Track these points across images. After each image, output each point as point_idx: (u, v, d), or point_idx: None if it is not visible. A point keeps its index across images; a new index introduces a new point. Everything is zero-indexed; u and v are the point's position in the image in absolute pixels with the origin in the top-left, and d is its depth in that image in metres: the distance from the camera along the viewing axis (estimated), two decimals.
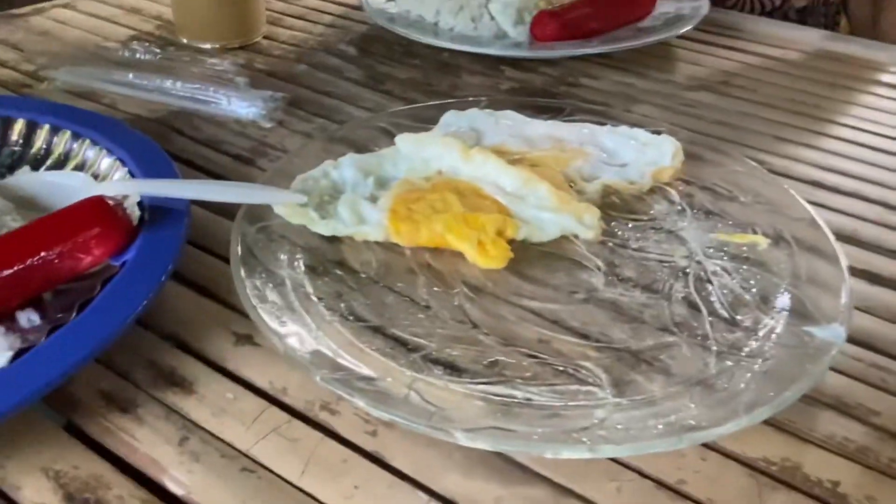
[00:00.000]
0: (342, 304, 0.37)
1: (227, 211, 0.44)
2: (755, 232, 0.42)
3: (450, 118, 0.51)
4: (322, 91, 0.61)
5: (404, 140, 0.48)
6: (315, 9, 0.77)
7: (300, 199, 0.42)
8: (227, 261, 0.38)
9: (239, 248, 0.38)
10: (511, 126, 0.51)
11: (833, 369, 0.35)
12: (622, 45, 0.65)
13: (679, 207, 0.45)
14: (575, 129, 0.51)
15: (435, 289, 0.38)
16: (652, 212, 0.45)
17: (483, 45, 0.65)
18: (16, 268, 0.36)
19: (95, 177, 0.45)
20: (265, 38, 0.70)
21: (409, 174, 0.46)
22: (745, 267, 0.40)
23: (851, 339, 0.36)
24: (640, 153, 0.48)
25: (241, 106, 0.54)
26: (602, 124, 0.51)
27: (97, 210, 0.38)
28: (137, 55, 0.61)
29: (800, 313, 0.36)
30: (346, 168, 0.46)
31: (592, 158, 0.48)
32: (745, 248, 0.41)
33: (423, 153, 0.47)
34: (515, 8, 0.66)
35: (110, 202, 0.38)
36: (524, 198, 0.44)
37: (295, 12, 0.76)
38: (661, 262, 0.40)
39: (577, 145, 0.50)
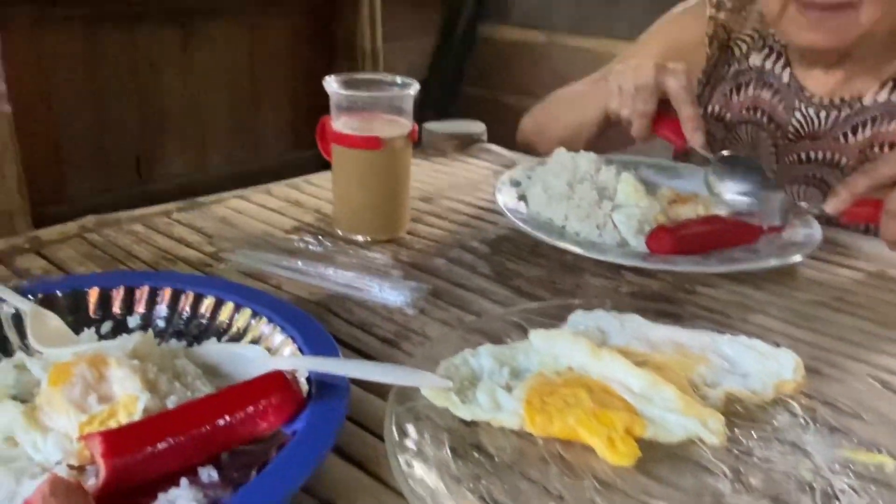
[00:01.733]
0: (482, 487, 0.40)
1: (374, 388, 0.50)
2: (880, 452, 0.43)
3: (578, 317, 0.56)
4: (457, 283, 0.68)
5: (537, 336, 0.53)
6: (452, 209, 0.86)
7: (446, 384, 0.47)
8: (378, 436, 0.43)
9: (394, 429, 0.43)
10: (635, 329, 0.55)
11: None
12: (736, 267, 0.69)
13: (802, 421, 0.47)
14: (696, 335, 0.54)
15: (566, 479, 0.41)
16: (775, 423, 0.46)
17: (606, 251, 0.71)
18: (204, 428, 0.42)
19: (269, 350, 0.52)
20: (409, 233, 0.79)
21: (542, 367, 0.51)
22: (872, 487, 0.40)
23: None
24: (761, 364, 0.51)
25: (391, 294, 0.62)
26: (721, 332, 0.55)
27: (276, 383, 0.44)
28: (301, 244, 0.70)
29: None
30: (483, 357, 0.51)
31: (714, 366, 0.51)
32: (871, 468, 0.42)
33: (555, 349, 0.52)
34: (637, 219, 0.73)
35: (287, 377, 0.45)
36: (651, 399, 0.47)
37: (434, 212, 0.85)
38: (787, 474, 0.42)
39: (699, 351, 0.53)
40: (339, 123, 0.74)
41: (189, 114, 2.33)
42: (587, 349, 0.50)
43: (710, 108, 1.04)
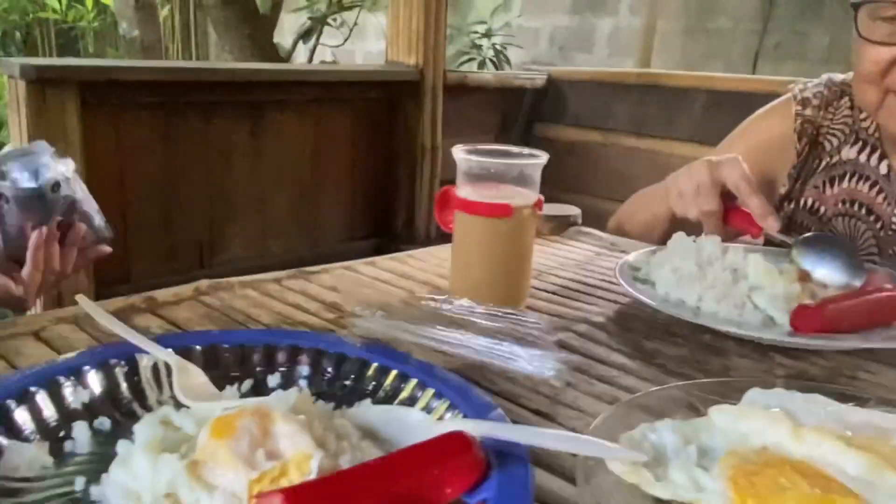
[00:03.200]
0: None
1: (543, 462, 0.45)
2: None
3: (755, 395, 0.51)
4: (594, 358, 0.63)
5: (720, 413, 0.48)
6: (564, 286, 0.83)
7: (640, 456, 0.42)
8: None
9: None
10: (826, 409, 0.50)
11: None
12: None
13: None
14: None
15: None
16: None
17: (752, 329, 0.66)
18: (388, 490, 0.37)
19: (427, 413, 0.47)
20: (527, 307, 0.75)
21: (732, 446, 0.46)
22: None
23: None
24: None
25: (537, 365, 0.57)
26: None
27: (460, 445, 0.40)
28: (430, 307, 0.67)
29: None
30: (665, 433, 0.46)
31: None
32: None
33: (742, 427, 0.47)
34: (781, 298, 0.69)
35: (470, 438, 0.40)
36: (874, 484, 0.41)
37: (547, 288, 0.82)
38: None
39: None
40: (466, 191, 0.72)
41: (253, 202, 2.37)
42: (787, 427, 0.45)
43: (802, 202, 1.02)
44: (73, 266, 0.88)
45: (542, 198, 0.74)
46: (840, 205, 0.98)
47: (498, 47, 5.23)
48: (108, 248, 0.93)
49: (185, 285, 0.74)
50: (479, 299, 0.72)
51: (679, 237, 0.81)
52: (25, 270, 0.83)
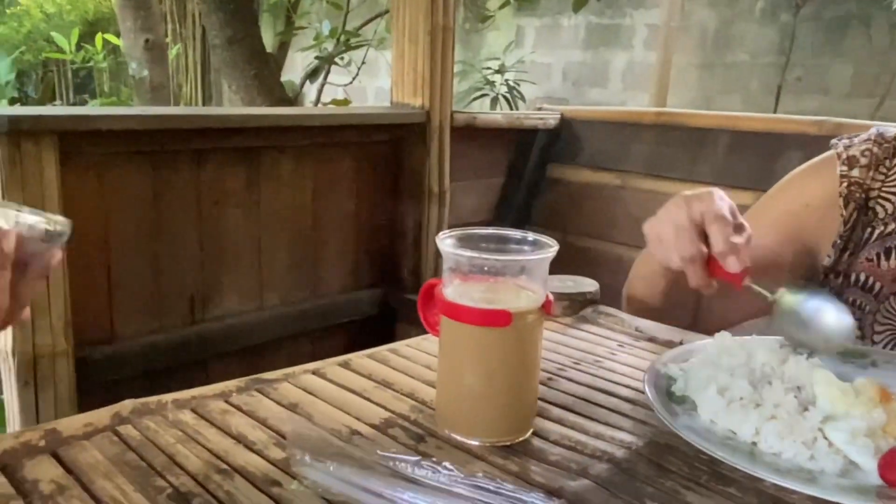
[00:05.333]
0: None
1: None
2: None
3: None
4: None
5: None
6: (582, 397, 0.67)
7: None
8: None
9: None
10: None
11: None
12: None
13: None
14: None
15: None
16: None
17: (822, 484, 0.50)
18: None
19: None
20: (535, 434, 0.59)
21: None
22: None
23: None
24: None
25: None
26: None
27: None
28: (396, 454, 0.51)
29: None
30: None
31: None
32: None
33: None
34: (864, 435, 0.52)
35: None
36: None
37: (560, 400, 0.66)
38: None
39: None
40: (454, 290, 0.57)
41: (248, 252, 2.23)
42: None
43: (853, 277, 0.86)
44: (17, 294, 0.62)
45: (552, 297, 0.58)
46: None
47: (511, 83, 5.13)
48: (57, 255, 0.65)
49: (103, 408, 0.59)
50: (472, 429, 0.57)
51: (721, 337, 0.66)
52: None
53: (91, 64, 6.56)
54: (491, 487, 0.46)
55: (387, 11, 4.19)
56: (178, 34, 6.76)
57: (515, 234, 0.60)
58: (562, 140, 2.86)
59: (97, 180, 1.84)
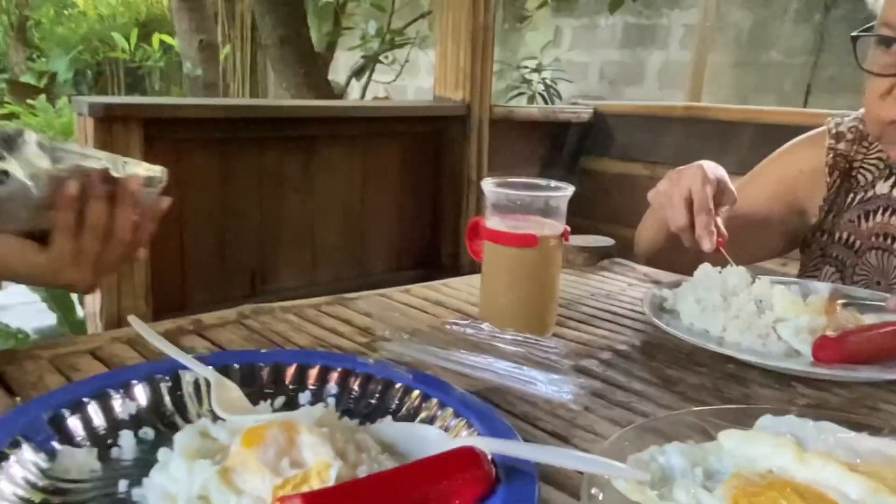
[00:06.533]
0: None
1: (552, 479, 0.47)
2: None
3: (767, 422, 0.53)
4: (615, 385, 0.65)
5: (729, 437, 0.49)
6: (593, 315, 0.85)
7: (643, 476, 0.44)
8: None
9: None
10: (835, 437, 0.50)
11: None
12: None
13: None
14: None
15: None
16: None
17: (775, 359, 0.67)
18: (399, 498, 0.40)
19: (445, 431, 0.50)
20: (554, 335, 0.77)
21: (738, 470, 0.47)
22: None
23: None
24: None
25: (555, 389, 0.59)
26: None
27: (469, 459, 0.42)
28: (458, 332, 0.70)
29: None
30: (672, 456, 0.48)
31: None
32: None
33: (750, 451, 0.48)
34: (806, 329, 0.69)
35: (479, 453, 0.43)
36: None
37: (575, 317, 0.84)
38: None
39: None
40: (494, 222, 0.76)
41: (303, 232, 2.44)
42: (791, 452, 0.46)
43: (837, 235, 1.02)
44: (136, 230, 0.70)
45: (569, 228, 0.77)
46: (874, 238, 0.98)
47: (548, 82, 5.29)
48: (165, 200, 0.75)
49: (229, 309, 0.79)
50: (506, 326, 0.75)
51: (705, 268, 0.82)
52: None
53: (146, 63, 6.88)
54: (520, 338, 0.64)
55: (429, 12, 4.39)
56: (227, 35, 7.03)
57: (542, 181, 0.77)
58: (594, 133, 3.03)
59: (175, 163, 2.07)
